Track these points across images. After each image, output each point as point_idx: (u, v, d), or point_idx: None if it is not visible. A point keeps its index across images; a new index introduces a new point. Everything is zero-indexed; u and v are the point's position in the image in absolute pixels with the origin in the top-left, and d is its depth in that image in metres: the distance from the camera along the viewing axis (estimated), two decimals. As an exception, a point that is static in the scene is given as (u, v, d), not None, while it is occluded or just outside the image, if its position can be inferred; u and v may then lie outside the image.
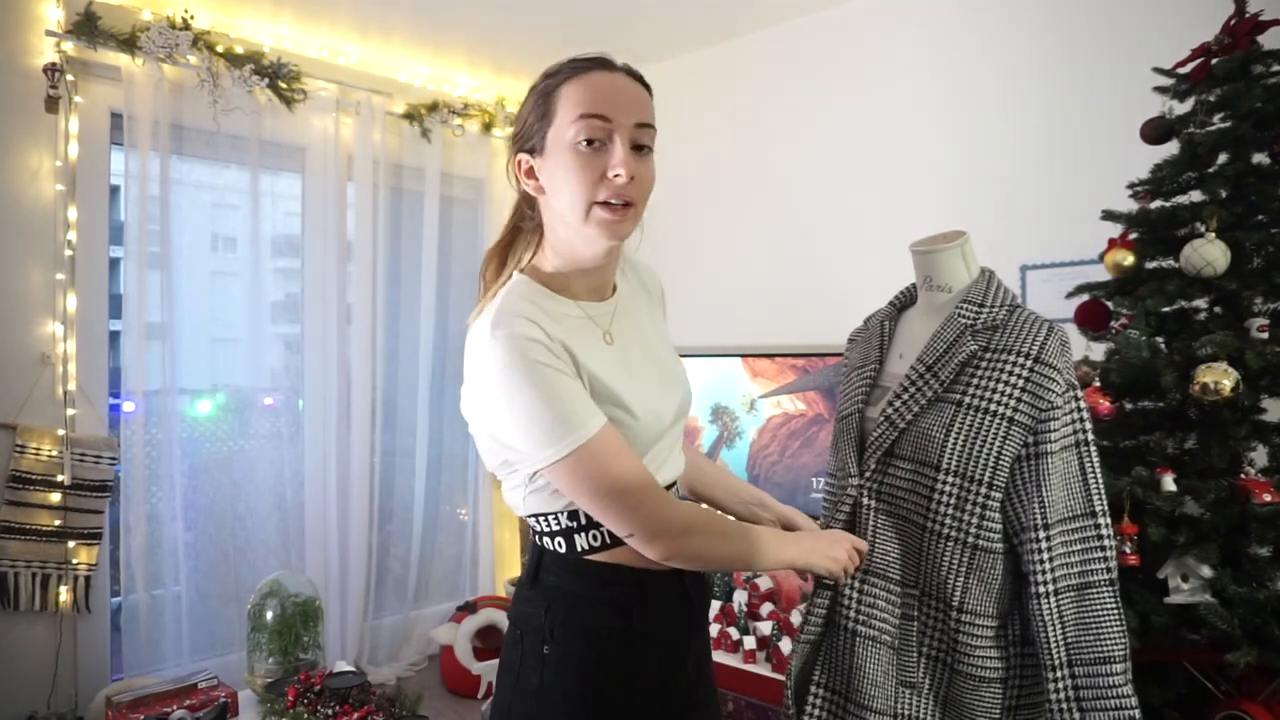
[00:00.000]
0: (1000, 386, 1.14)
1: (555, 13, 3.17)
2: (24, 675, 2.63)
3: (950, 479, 1.14)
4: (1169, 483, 1.71)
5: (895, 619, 1.17)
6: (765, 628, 2.66)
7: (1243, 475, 1.71)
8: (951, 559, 1.13)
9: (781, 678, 2.48)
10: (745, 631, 2.67)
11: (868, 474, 1.23)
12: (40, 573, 2.63)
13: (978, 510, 1.13)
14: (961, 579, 1.13)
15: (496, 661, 2.11)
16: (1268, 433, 1.74)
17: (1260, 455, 1.76)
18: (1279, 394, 1.72)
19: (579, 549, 1.08)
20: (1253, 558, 1.68)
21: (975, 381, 1.16)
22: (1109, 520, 1.14)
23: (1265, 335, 1.70)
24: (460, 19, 3.22)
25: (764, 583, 2.85)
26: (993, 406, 1.13)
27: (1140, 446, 1.84)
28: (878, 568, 1.19)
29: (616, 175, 1.00)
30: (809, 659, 1.24)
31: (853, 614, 1.20)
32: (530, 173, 1.07)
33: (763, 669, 2.55)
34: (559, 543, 1.09)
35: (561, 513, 1.07)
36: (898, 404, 1.20)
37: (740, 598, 2.76)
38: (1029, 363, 1.14)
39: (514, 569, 4.05)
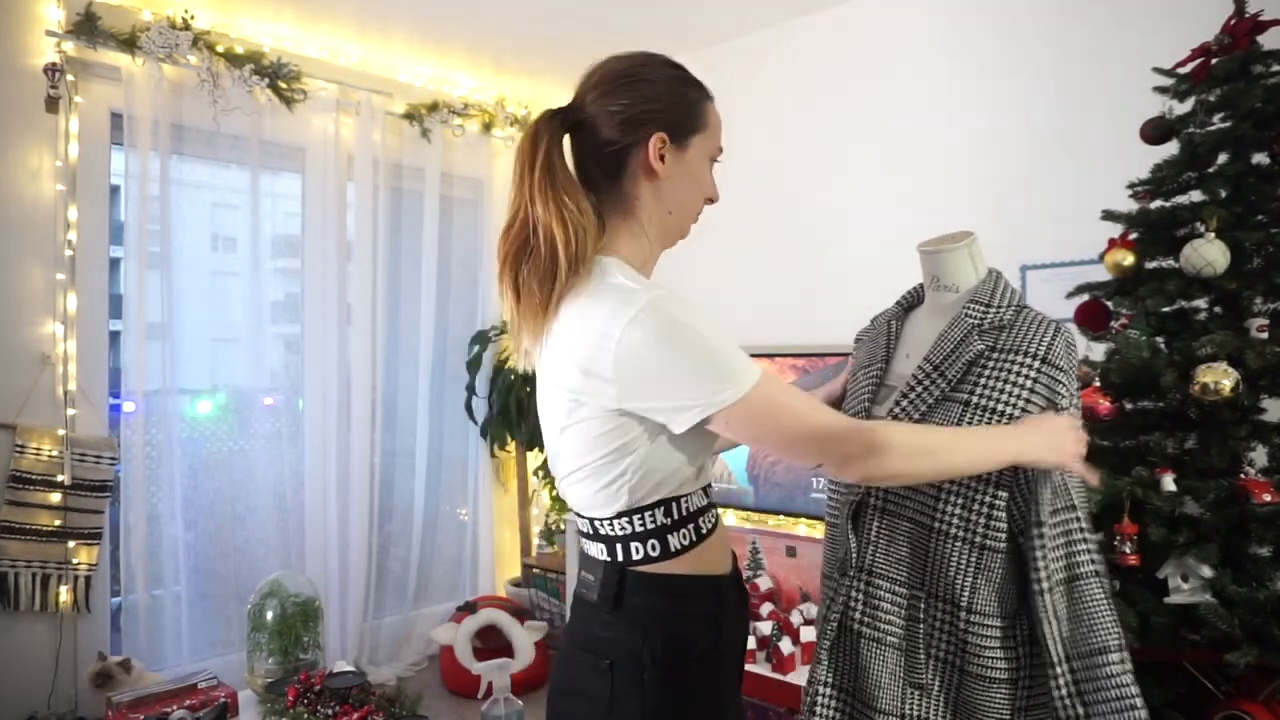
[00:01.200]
0: (1007, 386, 1.14)
1: (555, 13, 3.17)
2: (24, 675, 2.63)
3: (958, 479, 1.14)
4: (1169, 483, 1.71)
5: (901, 620, 1.16)
6: (765, 628, 2.66)
7: (1243, 475, 1.71)
8: (959, 559, 1.13)
9: (781, 678, 2.48)
10: (745, 631, 2.68)
11: None
12: (40, 573, 2.63)
13: (985, 510, 1.13)
14: (969, 579, 1.13)
15: (496, 661, 2.11)
16: (1268, 433, 1.74)
17: (1260, 455, 1.76)
18: (1279, 394, 1.72)
19: (673, 549, 1.05)
20: (1253, 558, 1.68)
21: (983, 381, 1.16)
22: (1087, 514, 1.14)
23: (1265, 335, 1.70)
24: (460, 19, 3.22)
25: (764, 583, 2.85)
26: (1000, 406, 1.14)
27: (1140, 446, 1.84)
28: (882, 569, 1.19)
29: (712, 199, 1.15)
30: (829, 662, 1.23)
31: (857, 615, 1.19)
32: (662, 157, 1.07)
33: (763, 669, 2.55)
34: (651, 546, 1.05)
35: (658, 507, 1.04)
36: (904, 403, 1.19)
37: (740, 598, 2.76)
38: (1036, 363, 1.15)
39: (514, 569, 4.05)
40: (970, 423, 1.14)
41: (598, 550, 1.09)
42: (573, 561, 3.46)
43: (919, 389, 1.19)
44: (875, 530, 1.20)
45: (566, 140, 1.10)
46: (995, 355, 1.17)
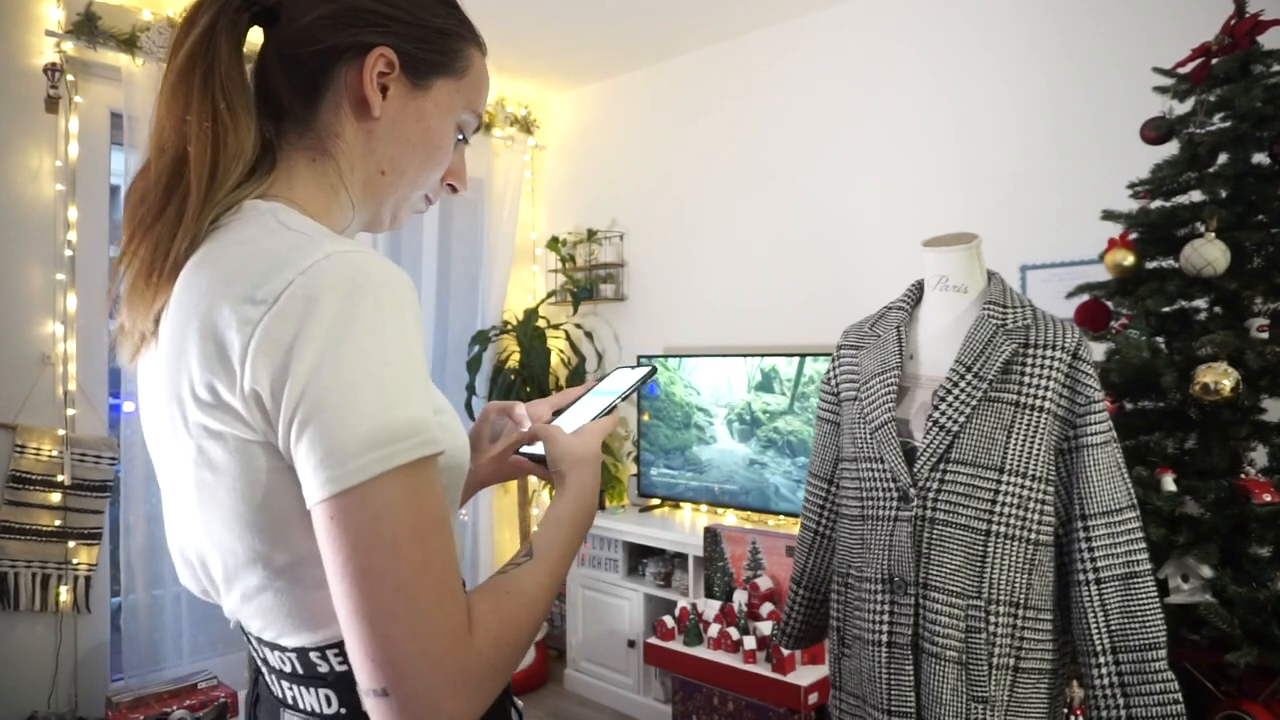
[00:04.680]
0: (1048, 382, 1.17)
1: (554, 13, 3.17)
2: (24, 675, 2.63)
3: (1014, 479, 1.14)
4: (1169, 483, 1.71)
5: (960, 633, 1.14)
6: (765, 628, 2.66)
7: (1243, 475, 1.71)
8: (1016, 558, 1.14)
9: (781, 678, 2.48)
10: (745, 631, 2.67)
11: (921, 482, 1.19)
12: (40, 573, 2.63)
13: (1038, 507, 1.15)
14: (1025, 576, 1.15)
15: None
16: (1268, 433, 1.74)
17: (1260, 455, 1.76)
18: (1279, 394, 1.72)
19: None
20: (1253, 558, 1.68)
21: (1026, 380, 1.17)
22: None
23: (1265, 335, 1.70)
24: (460, 19, 3.21)
25: (764, 583, 2.85)
26: (1045, 404, 1.16)
27: (1140, 446, 1.84)
28: (937, 581, 1.16)
29: (454, 188, 0.83)
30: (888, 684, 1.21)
31: (912, 631, 1.17)
32: (384, 89, 0.73)
33: (763, 669, 2.55)
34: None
35: None
36: (944, 408, 1.18)
37: (740, 598, 2.76)
38: (1068, 358, 1.17)
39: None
40: (1023, 422, 1.15)
41: (319, 701, 0.66)
42: (573, 561, 3.46)
43: (957, 392, 1.18)
44: (926, 541, 1.17)
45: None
46: (1031, 352, 1.18)
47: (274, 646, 0.67)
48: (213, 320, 0.59)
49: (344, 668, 0.64)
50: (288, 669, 0.67)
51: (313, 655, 0.65)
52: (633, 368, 0.96)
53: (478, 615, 0.61)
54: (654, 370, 0.99)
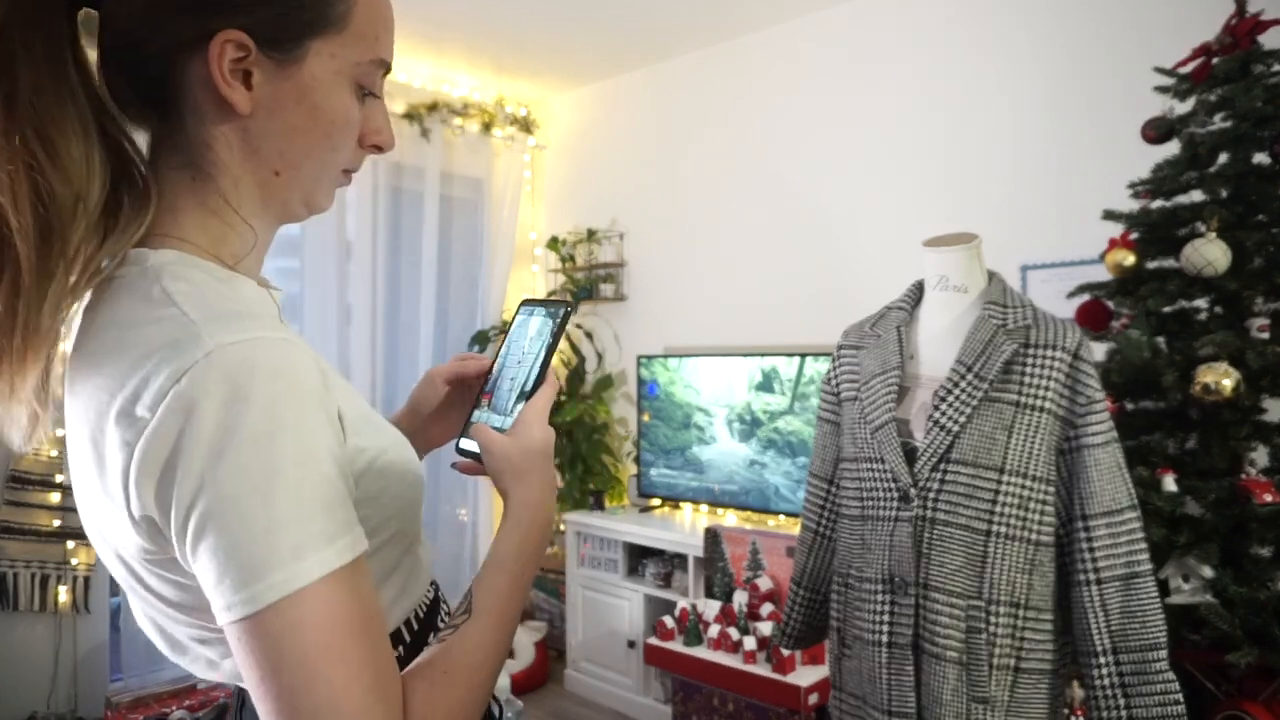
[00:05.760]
0: (1048, 383, 1.16)
1: (554, 13, 3.17)
2: (24, 675, 2.62)
3: (1014, 479, 1.14)
4: (1170, 483, 1.71)
5: (961, 633, 1.15)
6: (765, 628, 2.65)
7: (1243, 475, 1.70)
8: (1017, 559, 1.14)
9: (781, 678, 2.48)
10: (745, 632, 2.67)
11: (921, 482, 1.19)
12: (40, 573, 2.63)
13: (1039, 507, 1.15)
14: (1025, 577, 1.15)
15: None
16: (1268, 433, 1.74)
17: (1261, 455, 1.76)
18: (1279, 394, 1.72)
19: None
20: (1253, 558, 1.68)
21: (1026, 380, 1.17)
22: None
23: (1266, 335, 1.70)
24: (460, 19, 3.21)
25: (764, 583, 2.85)
26: (1046, 404, 1.16)
27: (1141, 446, 1.84)
28: (937, 581, 1.16)
29: (380, 147, 0.70)
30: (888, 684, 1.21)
31: (912, 631, 1.17)
32: (247, 76, 0.60)
33: (763, 669, 2.54)
34: None
35: None
36: (945, 408, 1.18)
37: (740, 598, 2.76)
38: (1068, 358, 1.17)
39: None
40: (1024, 423, 1.15)
41: None
42: (573, 561, 3.46)
43: (958, 392, 1.18)
44: (927, 542, 1.17)
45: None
46: (1031, 352, 1.18)
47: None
48: (99, 435, 0.55)
49: None
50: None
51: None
52: (541, 303, 0.78)
53: (413, 709, 0.56)
54: (572, 305, 0.84)
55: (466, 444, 0.74)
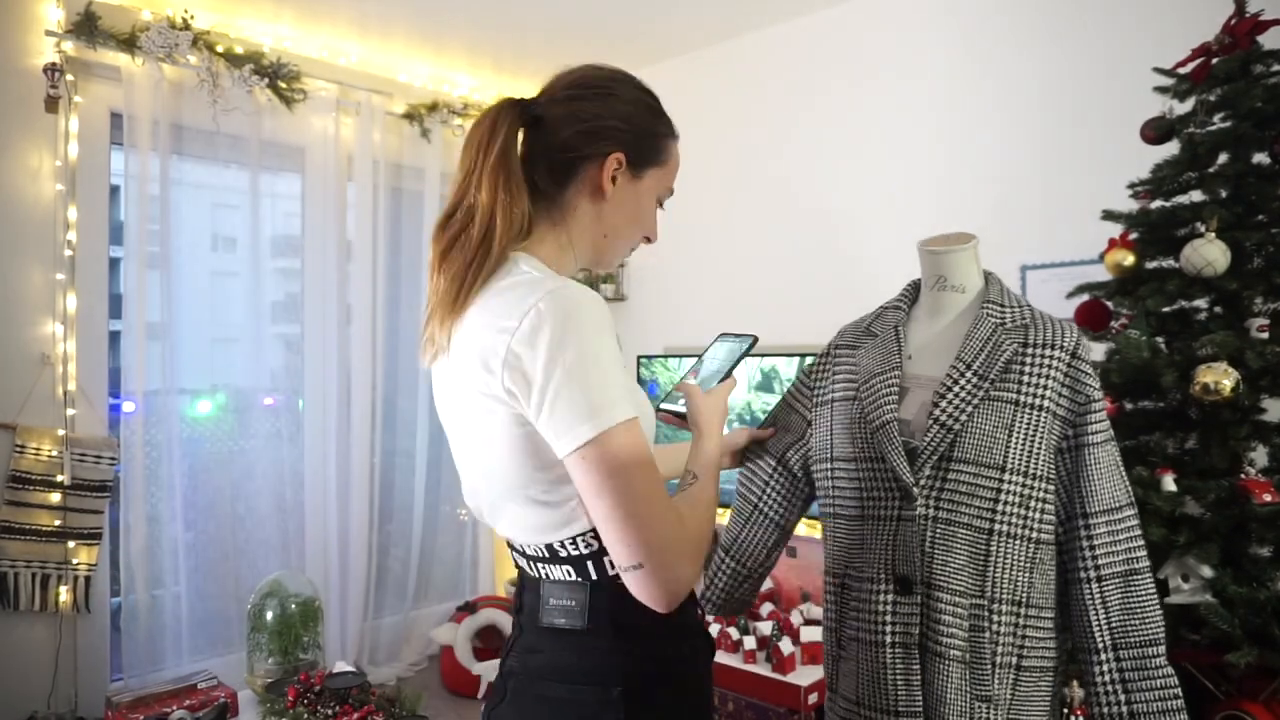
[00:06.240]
0: (1048, 382, 1.17)
1: (555, 13, 3.17)
2: (24, 675, 2.63)
3: (1015, 478, 1.15)
4: (1169, 483, 1.71)
5: (964, 632, 1.15)
6: (765, 628, 2.66)
7: (1243, 475, 1.70)
8: (1019, 557, 1.15)
9: (781, 678, 2.48)
10: (745, 631, 2.67)
11: (923, 481, 1.19)
12: (40, 573, 2.63)
13: (1039, 505, 1.15)
14: (1027, 575, 1.15)
15: (496, 661, 2.10)
16: (1268, 433, 1.74)
17: (1260, 455, 1.76)
18: (1279, 394, 1.72)
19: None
20: (1253, 558, 1.68)
21: (1025, 379, 1.17)
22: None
23: (1265, 335, 1.70)
24: (460, 19, 3.22)
25: (764, 583, 2.85)
26: (1045, 403, 1.16)
27: (1140, 446, 1.84)
28: (941, 580, 1.16)
29: (648, 239, 1.15)
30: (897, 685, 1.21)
31: (916, 630, 1.17)
32: (614, 178, 1.04)
33: (763, 669, 2.54)
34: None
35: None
36: (946, 405, 1.18)
37: (740, 598, 2.76)
38: (1067, 357, 1.18)
39: (513, 569, 4.05)
40: (1024, 421, 1.16)
41: (564, 573, 1.00)
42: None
43: (958, 390, 1.18)
44: (930, 541, 1.17)
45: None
46: (1030, 351, 1.18)
47: (530, 544, 1.00)
48: (482, 346, 0.92)
49: (576, 551, 0.97)
50: (541, 556, 1.00)
51: (555, 545, 0.98)
52: (737, 336, 1.20)
53: (682, 512, 0.95)
54: (755, 340, 1.21)
55: (668, 405, 1.16)
